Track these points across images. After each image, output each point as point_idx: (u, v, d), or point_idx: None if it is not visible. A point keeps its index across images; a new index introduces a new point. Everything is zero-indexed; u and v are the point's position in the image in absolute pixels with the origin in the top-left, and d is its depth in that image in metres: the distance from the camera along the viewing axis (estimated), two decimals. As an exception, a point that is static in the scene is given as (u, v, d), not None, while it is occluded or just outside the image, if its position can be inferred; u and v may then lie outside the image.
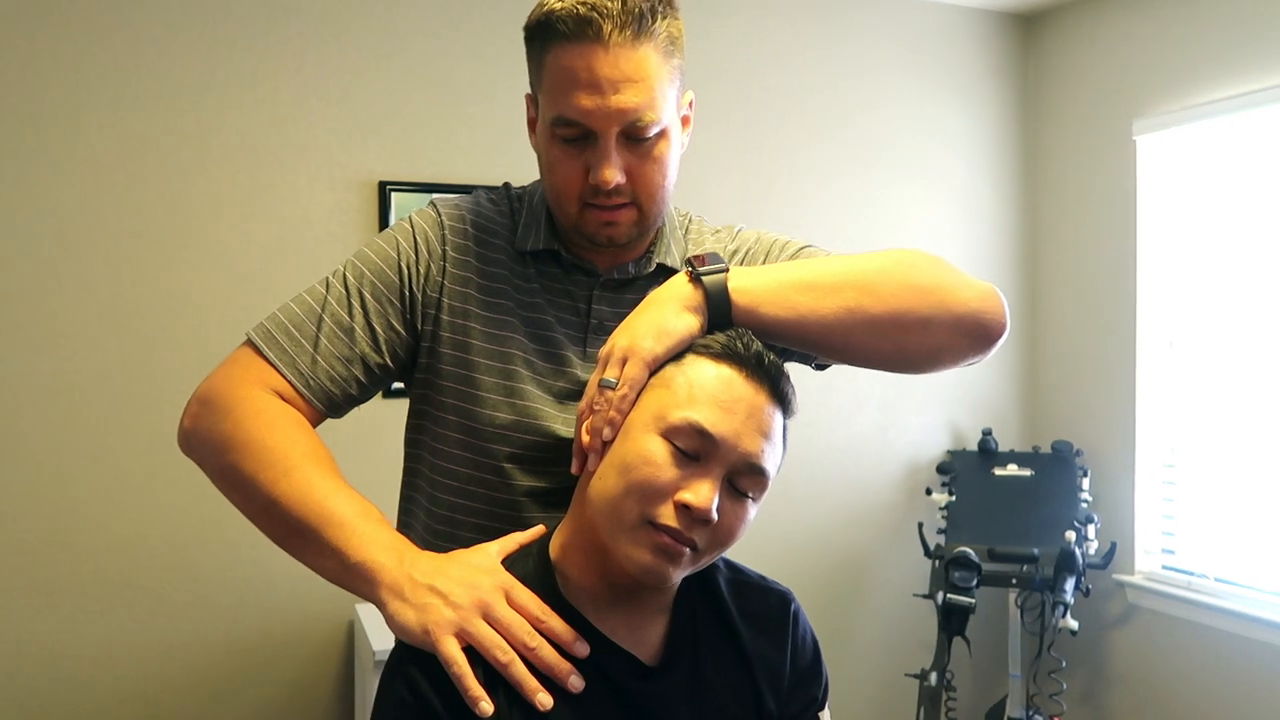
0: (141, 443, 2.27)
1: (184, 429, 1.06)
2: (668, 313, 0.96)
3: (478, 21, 2.54)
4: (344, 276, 1.10)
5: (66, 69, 2.23)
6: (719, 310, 0.97)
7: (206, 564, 2.34)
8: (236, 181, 2.36)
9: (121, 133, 2.27)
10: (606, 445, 0.93)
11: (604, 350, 0.97)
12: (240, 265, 2.36)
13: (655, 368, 0.94)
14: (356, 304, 1.09)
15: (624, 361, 0.94)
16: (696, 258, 1.01)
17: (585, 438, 0.95)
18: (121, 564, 2.28)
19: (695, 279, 0.98)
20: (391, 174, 2.48)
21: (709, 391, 0.91)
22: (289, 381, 1.05)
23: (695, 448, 0.89)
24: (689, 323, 0.96)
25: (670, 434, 0.89)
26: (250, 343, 1.07)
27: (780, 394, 0.93)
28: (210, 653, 2.36)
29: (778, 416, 0.93)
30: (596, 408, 0.94)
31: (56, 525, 2.24)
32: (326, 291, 1.10)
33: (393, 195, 2.46)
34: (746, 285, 0.98)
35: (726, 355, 0.93)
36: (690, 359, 0.94)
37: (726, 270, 0.99)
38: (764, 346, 0.94)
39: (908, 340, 1.00)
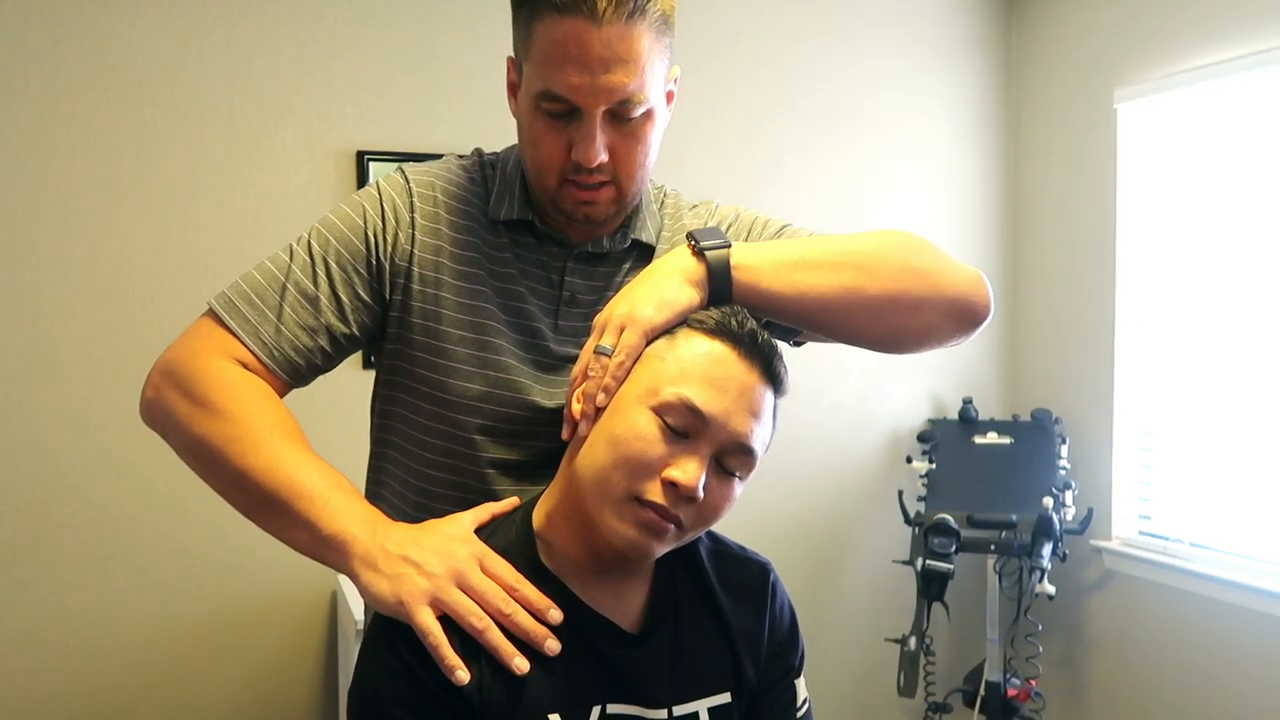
0: (121, 414, 2.26)
1: (146, 400, 1.04)
2: (670, 284, 0.96)
3: (456, -12, 2.51)
4: (308, 244, 1.08)
5: (38, 38, 2.19)
6: (720, 285, 0.97)
7: (188, 536, 2.34)
8: (212, 152, 2.33)
9: (96, 103, 2.24)
10: (599, 412, 0.93)
11: (601, 317, 0.97)
12: (217, 236, 2.34)
13: (652, 337, 0.94)
14: (321, 272, 1.06)
15: (621, 329, 0.94)
16: (698, 231, 1.01)
17: (576, 405, 0.95)
18: (102, 537, 2.28)
19: (698, 253, 0.99)
20: (370, 144, 2.45)
21: (702, 368, 0.91)
22: (251, 351, 1.04)
23: (685, 425, 0.89)
24: (690, 295, 0.96)
25: (661, 409, 0.90)
26: (211, 312, 1.06)
27: (773, 373, 0.94)
28: (193, 625, 2.36)
29: (769, 396, 0.94)
30: (591, 373, 0.94)
31: (36, 498, 2.23)
32: (290, 259, 1.07)
33: (371, 165, 2.44)
34: (748, 261, 0.99)
35: (720, 332, 0.93)
36: (684, 333, 0.94)
37: (729, 245, 0.99)
38: (758, 325, 0.95)
39: (900, 321, 1.02)
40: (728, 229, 1.16)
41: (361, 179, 2.43)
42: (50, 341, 2.23)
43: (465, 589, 0.89)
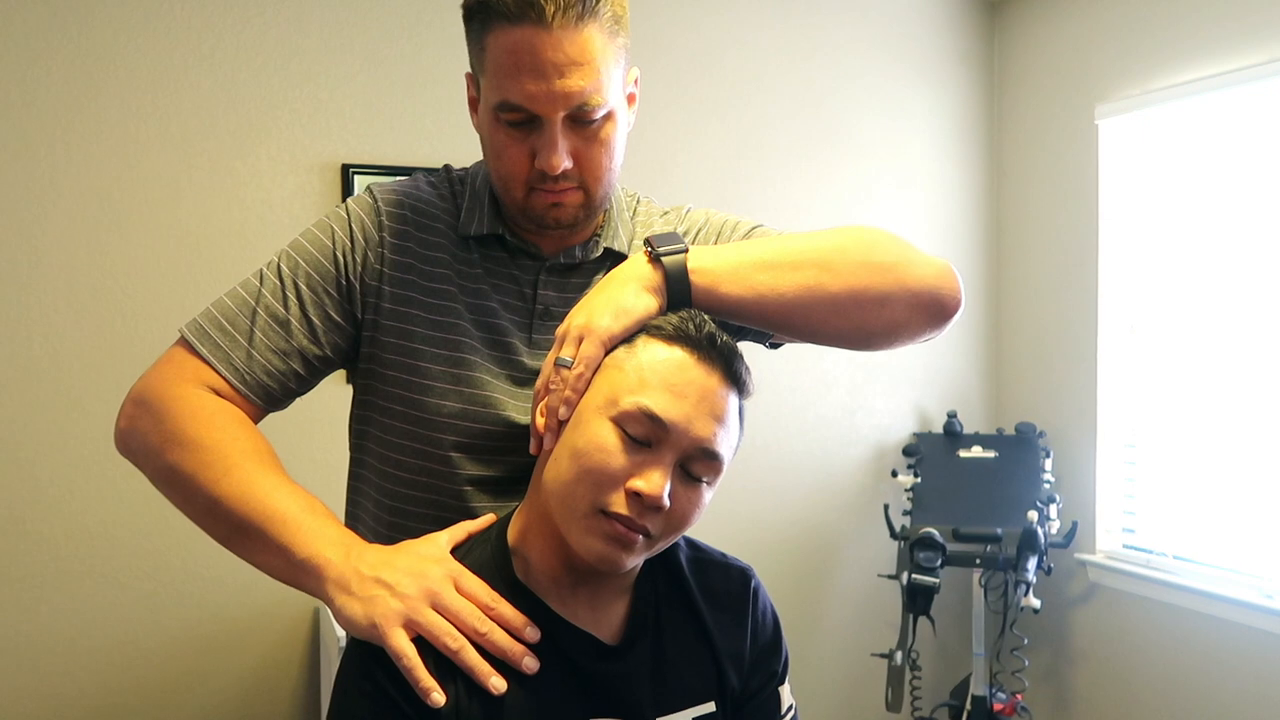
0: (100, 429, 2.24)
1: (119, 431, 1.04)
2: (626, 292, 0.95)
3: (442, 1, 2.51)
4: (278, 268, 1.08)
5: (22, 51, 2.18)
6: (678, 290, 0.96)
7: (169, 551, 2.32)
8: (196, 164, 2.33)
9: (80, 116, 2.23)
10: (562, 425, 0.93)
11: (561, 328, 0.96)
12: (201, 249, 2.33)
13: (611, 347, 0.93)
14: (292, 295, 1.06)
15: (580, 340, 0.93)
16: (655, 237, 1.00)
17: (540, 419, 0.95)
18: (83, 553, 2.26)
19: (654, 259, 0.98)
20: (355, 157, 2.45)
21: (660, 375, 0.90)
22: (224, 377, 1.03)
23: (646, 434, 0.89)
24: (647, 303, 0.95)
25: (621, 419, 0.89)
26: (183, 339, 1.05)
27: (734, 375, 0.93)
28: (174, 641, 2.34)
29: (732, 399, 0.93)
30: (553, 386, 0.93)
31: (15, 514, 2.21)
32: (260, 284, 1.07)
33: (356, 178, 2.43)
34: (706, 265, 0.98)
35: (678, 337, 0.92)
36: (642, 341, 0.93)
37: (686, 250, 0.98)
38: (717, 327, 0.94)
39: (866, 317, 1.00)
40: (697, 233, 1.16)
41: (347, 192, 2.43)
42: (30, 355, 2.21)
43: (440, 609, 0.88)
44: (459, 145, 2.50)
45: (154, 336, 2.27)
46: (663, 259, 0.97)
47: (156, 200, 2.30)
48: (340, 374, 1.17)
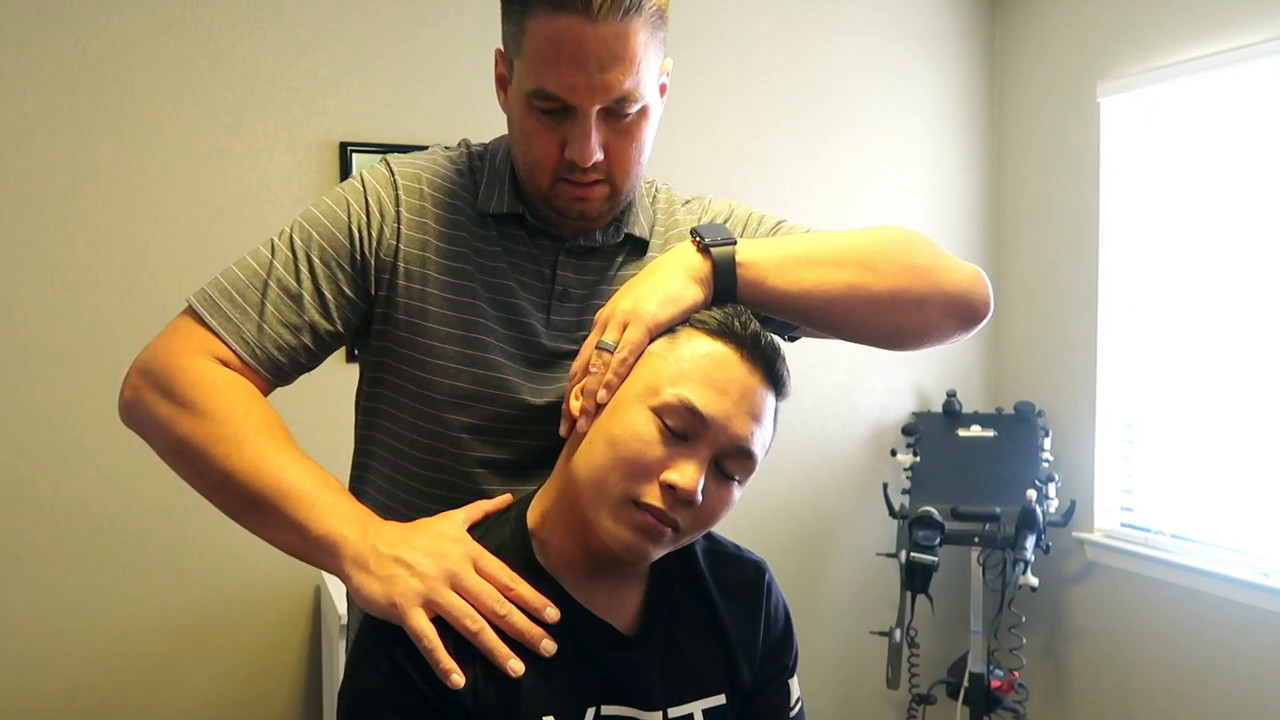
0: (99, 408, 2.23)
1: (125, 401, 1.02)
2: (675, 281, 0.95)
3: (439, -23, 2.48)
4: (290, 239, 1.05)
5: (13, 28, 2.15)
6: (725, 282, 0.97)
7: (169, 530, 2.31)
8: (192, 143, 2.30)
9: (73, 95, 2.20)
10: (598, 410, 0.92)
11: (603, 313, 0.96)
12: (196, 228, 2.31)
13: (656, 335, 0.93)
14: (304, 269, 1.04)
15: (624, 325, 0.92)
16: (702, 228, 1.00)
17: (574, 401, 0.94)
18: (82, 532, 2.25)
19: (703, 249, 0.97)
20: (352, 135, 2.43)
21: (703, 369, 0.89)
22: (233, 350, 1.01)
23: (685, 427, 0.88)
24: (695, 293, 0.95)
25: (661, 410, 0.88)
26: (191, 309, 1.03)
27: (775, 376, 0.93)
28: (176, 620, 2.34)
29: (770, 399, 0.93)
30: (593, 369, 0.92)
31: (14, 494, 2.20)
32: (272, 255, 1.04)
33: (354, 156, 2.41)
34: (753, 258, 0.98)
35: (723, 333, 0.92)
36: (686, 333, 0.92)
37: (734, 243, 0.98)
38: (761, 326, 0.93)
39: (902, 318, 1.02)
40: (723, 224, 1.15)
41: (344, 170, 2.40)
42: (27, 335, 2.19)
43: (459, 590, 0.88)
44: (458, 121, 2.48)
45: (151, 316, 2.23)
46: (711, 250, 0.97)
47: (152, 179, 2.27)
48: (337, 352, 1.15)
